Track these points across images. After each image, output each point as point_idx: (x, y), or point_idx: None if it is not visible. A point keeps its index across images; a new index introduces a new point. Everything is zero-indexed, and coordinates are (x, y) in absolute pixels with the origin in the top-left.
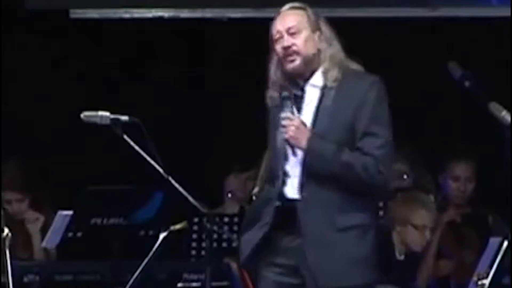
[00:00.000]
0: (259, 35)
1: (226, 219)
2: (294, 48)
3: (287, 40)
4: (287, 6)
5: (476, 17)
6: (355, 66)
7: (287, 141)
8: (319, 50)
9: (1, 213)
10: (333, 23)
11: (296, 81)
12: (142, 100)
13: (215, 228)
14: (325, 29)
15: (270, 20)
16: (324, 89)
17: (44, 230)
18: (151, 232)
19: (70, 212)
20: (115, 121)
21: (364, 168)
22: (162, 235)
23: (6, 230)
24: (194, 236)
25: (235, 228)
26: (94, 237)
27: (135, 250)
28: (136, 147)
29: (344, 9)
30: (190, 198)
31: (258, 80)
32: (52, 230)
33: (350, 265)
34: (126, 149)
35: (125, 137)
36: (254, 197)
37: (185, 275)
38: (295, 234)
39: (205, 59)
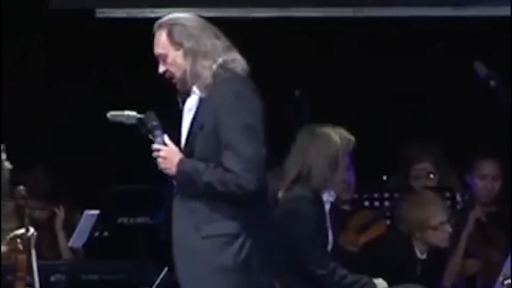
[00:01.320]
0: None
1: None
2: (167, 74)
3: (161, 67)
4: (156, 24)
5: (476, 17)
6: (236, 66)
7: None
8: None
9: (27, 213)
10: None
11: None
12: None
13: None
14: (188, 42)
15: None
16: (200, 98)
17: (68, 229)
18: None
19: (96, 212)
20: (141, 120)
21: (223, 185)
22: None
23: (31, 230)
24: None
25: None
26: (120, 237)
27: (161, 250)
28: None
29: (370, 9)
30: None
31: (282, 78)
32: (79, 230)
33: (211, 273)
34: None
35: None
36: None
37: None
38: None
39: None
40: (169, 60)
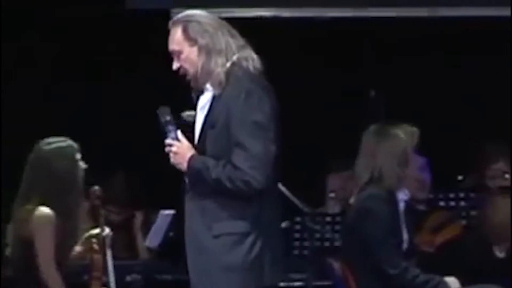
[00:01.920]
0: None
1: (328, 219)
2: (182, 70)
3: (175, 64)
4: (171, 21)
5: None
6: (248, 64)
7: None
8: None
9: (101, 213)
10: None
11: None
12: None
13: (318, 227)
14: (202, 38)
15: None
16: (214, 95)
17: (145, 229)
18: None
19: (172, 212)
20: None
21: (231, 182)
22: None
23: (107, 230)
24: (297, 235)
25: (337, 227)
26: None
27: None
28: None
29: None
30: (292, 198)
31: (357, 78)
32: (154, 230)
33: (222, 271)
34: None
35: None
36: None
37: (287, 274)
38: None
39: (311, 57)
40: (183, 56)
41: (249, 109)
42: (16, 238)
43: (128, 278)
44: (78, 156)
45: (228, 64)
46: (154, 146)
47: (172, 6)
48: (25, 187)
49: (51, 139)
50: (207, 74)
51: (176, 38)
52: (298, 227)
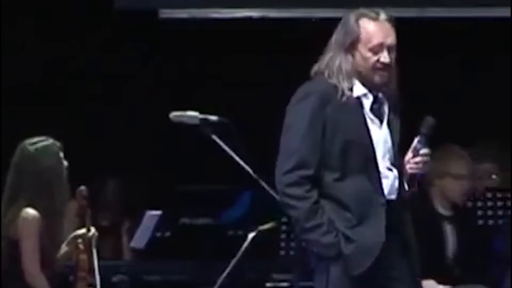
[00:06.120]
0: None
1: None
2: (388, 68)
3: (388, 57)
4: (385, 16)
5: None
6: None
7: (414, 175)
8: None
9: (88, 213)
10: None
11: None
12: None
13: None
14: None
15: None
16: (389, 106)
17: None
18: (239, 232)
19: (158, 212)
20: (203, 121)
21: None
22: (251, 235)
23: (92, 230)
24: (283, 236)
25: None
26: (182, 237)
27: (224, 250)
28: (225, 147)
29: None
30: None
31: None
32: (141, 230)
33: None
34: (215, 149)
35: (214, 137)
36: None
37: (274, 275)
38: (396, 235)
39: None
40: (394, 55)
41: None
42: (3, 239)
43: (114, 279)
44: (62, 154)
45: None
46: (149, 152)
47: (161, 7)
48: (10, 188)
49: (34, 139)
50: (393, 83)
51: (395, 36)
52: (284, 227)
